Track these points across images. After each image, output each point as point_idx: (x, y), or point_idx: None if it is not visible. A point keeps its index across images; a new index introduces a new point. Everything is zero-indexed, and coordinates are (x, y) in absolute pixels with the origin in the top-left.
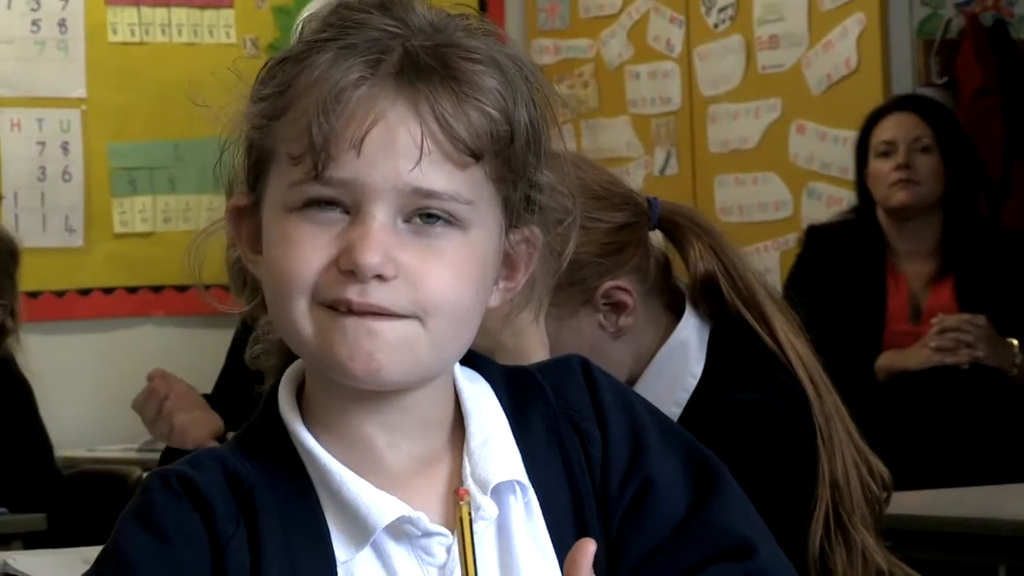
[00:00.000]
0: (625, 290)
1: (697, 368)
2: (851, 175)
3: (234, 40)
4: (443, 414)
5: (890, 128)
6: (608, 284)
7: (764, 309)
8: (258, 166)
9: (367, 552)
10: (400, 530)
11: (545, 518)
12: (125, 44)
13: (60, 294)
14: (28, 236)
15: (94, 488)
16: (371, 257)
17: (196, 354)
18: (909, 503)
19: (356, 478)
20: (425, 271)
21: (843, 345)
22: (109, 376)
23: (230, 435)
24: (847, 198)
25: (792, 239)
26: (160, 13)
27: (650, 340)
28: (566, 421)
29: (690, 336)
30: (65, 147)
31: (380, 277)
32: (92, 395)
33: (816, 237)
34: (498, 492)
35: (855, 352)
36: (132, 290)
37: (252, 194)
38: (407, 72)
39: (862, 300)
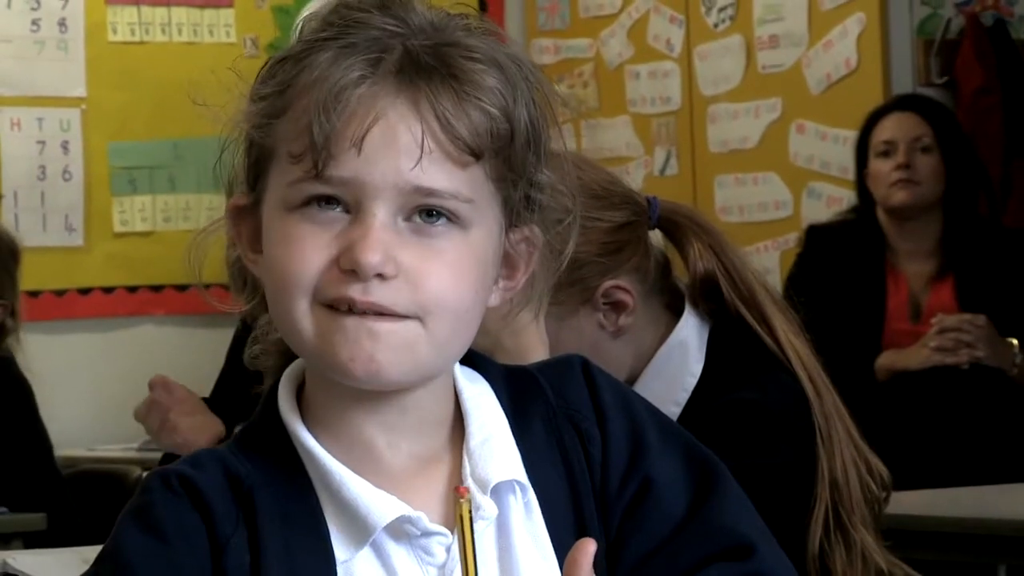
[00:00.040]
0: (625, 289)
1: (697, 368)
2: (851, 175)
3: (234, 40)
4: (443, 414)
5: (890, 128)
6: (608, 283)
7: (764, 309)
8: (258, 165)
9: (367, 552)
10: (400, 530)
11: (545, 518)
12: (125, 43)
13: (60, 293)
14: (28, 235)
15: (94, 488)
16: (372, 256)
17: (196, 353)
18: (909, 503)
19: (356, 478)
20: (425, 271)
21: (843, 345)
22: (109, 375)
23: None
24: (847, 198)
25: (792, 239)
26: (160, 12)
27: (650, 339)
28: (566, 421)
29: (690, 336)
30: (65, 146)
31: (381, 276)
32: (92, 395)
33: (816, 237)
34: (498, 492)
35: (855, 352)
36: (132, 289)
37: (252, 193)
38: (407, 71)
39: (862, 300)
